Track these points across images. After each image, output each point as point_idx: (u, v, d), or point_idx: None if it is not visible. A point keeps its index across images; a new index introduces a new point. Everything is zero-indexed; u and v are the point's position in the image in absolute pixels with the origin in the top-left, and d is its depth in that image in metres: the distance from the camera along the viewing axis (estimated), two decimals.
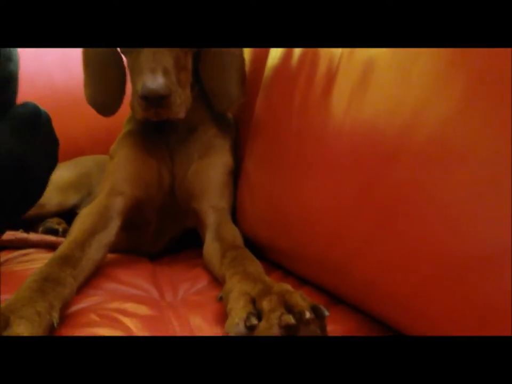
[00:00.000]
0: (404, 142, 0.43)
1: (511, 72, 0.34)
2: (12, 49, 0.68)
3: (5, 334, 0.39)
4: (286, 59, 0.75)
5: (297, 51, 0.71)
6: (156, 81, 0.66)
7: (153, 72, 0.67)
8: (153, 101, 0.68)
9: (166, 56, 0.70)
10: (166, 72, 0.69)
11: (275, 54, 0.82)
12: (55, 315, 0.46)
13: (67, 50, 1.40)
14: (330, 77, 0.58)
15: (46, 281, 0.50)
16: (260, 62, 0.94)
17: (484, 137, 0.35)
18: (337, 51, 0.58)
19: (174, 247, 0.89)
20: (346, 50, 0.56)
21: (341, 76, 0.56)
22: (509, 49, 0.34)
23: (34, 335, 0.41)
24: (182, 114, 0.74)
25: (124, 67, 0.83)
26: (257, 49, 0.96)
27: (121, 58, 0.84)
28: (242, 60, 0.87)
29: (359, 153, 0.50)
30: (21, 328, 0.40)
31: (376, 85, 0.49)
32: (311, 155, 0.60)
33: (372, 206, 0.47)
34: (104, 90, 0.83)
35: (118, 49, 0.82)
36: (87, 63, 0.84)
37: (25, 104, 0.67)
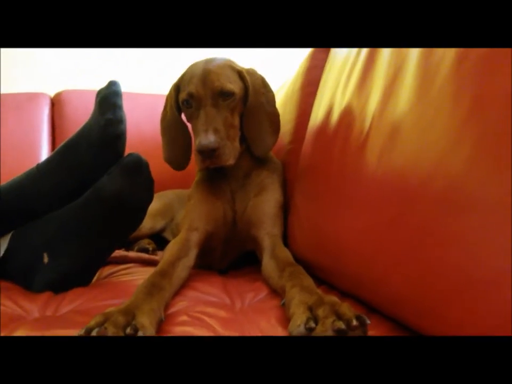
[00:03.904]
0: (424, 188, 0.45)
1: None
2: (122, 114, 0.76)
3: (133, 323, 0.44)
4: (326, 117, 0.80)
5: (336, 112, 0.76)
6: (207, 139, 0.74)
7: (205, 132, 0.75)
8: (206, 153, 0.75)
9: (215, 118, 0.78)
10: (215, 131, 0.76)
11: (316, 113, 0.87)
12: (162, 312, 0.52)
13: (154, 108, 1.51)
14: (364, 134, 0.62)
15: (153, 287, 0.56)
16: (304, 117, 0.99)
17: (491, 187, 0.37)
18: (369, 114, 0.62)
19: (236, 264, 0.93)
20: (377, 113, 0.60)
21: (373, 134, 0.59)
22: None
23: (152, 325, 0.46)
24: (231, 161, 0.80)
25: (189, 133, 0.90)
26: (302, 108, 1.01)
27: (187, 126, 0.90)
28: (277, 115, 0.91)
29: (388, 194, 0.53)
30: (144, 319, 0.46)
31: (402, 142, 0.52)
32: (348, 192, 0.64)
33: (398, 235, 0.49)
34: (176, 152, 0.91)
35: (184, 118, 0.89)
36: (164, 132, 0.93)
37: (130, 154, 0.74)
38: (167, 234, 1.25)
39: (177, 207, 1.25)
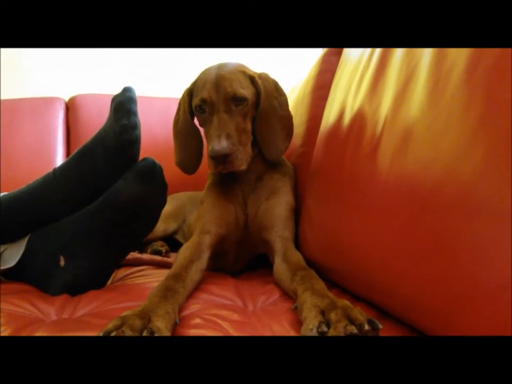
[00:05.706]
0: (436, 194, 0.46)
1: None
2: (137, 119, 0.78)
3: (150, 326, 0.45)
4: (338, 121, 0.80)
5: (347, 116, 0.76)
6: (220, 145, 0.75)
7: (218, 137, 0.76)
8: (219, 159, 0.76)
9: (228, 124, 0.79)
10: (228, 137, 0.77)
11: (328, 116, 0.88)
12: (176, 315, 0.53)
13: (167, 111, 1.53)
14: (376, 139, 0.62)
15: (167, 291, 0.57)
16: (315, 120, 1.00)
17: (503, 193, 0.37)
18: (381, 118, 0.62)
19: (249, 267, 0.94)
20: (389, 117, 0.60)
21: (385, 138, 0.59)
22: None
23: (167, 328, 0.48)
24: (243, 167, 0.81)
25: (201, 137, 0.91)
26: (313, 111, 1.01)
27: (199, 131, 0.92)
28: (290, 119, 0.91)
29: (401, 199, 0.53)
30: (159, 322, 0.47)
31: (414, 147, 0.52)
32: (360, 196, 0.64)
33: (411, 239, 0.49)
34: (187, 156, 0.92)
35: (196, 123, 0.90)
36: (176, 136, 0.94)
37: (145, 159, 0.76)
38: (179, 237, 1.26)
39: (189, 209, 1.26)
